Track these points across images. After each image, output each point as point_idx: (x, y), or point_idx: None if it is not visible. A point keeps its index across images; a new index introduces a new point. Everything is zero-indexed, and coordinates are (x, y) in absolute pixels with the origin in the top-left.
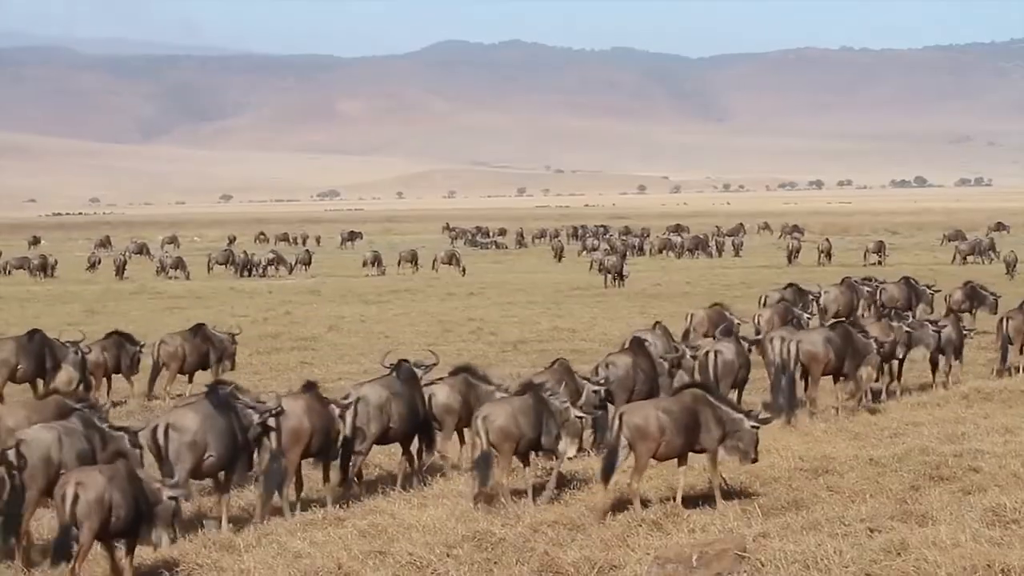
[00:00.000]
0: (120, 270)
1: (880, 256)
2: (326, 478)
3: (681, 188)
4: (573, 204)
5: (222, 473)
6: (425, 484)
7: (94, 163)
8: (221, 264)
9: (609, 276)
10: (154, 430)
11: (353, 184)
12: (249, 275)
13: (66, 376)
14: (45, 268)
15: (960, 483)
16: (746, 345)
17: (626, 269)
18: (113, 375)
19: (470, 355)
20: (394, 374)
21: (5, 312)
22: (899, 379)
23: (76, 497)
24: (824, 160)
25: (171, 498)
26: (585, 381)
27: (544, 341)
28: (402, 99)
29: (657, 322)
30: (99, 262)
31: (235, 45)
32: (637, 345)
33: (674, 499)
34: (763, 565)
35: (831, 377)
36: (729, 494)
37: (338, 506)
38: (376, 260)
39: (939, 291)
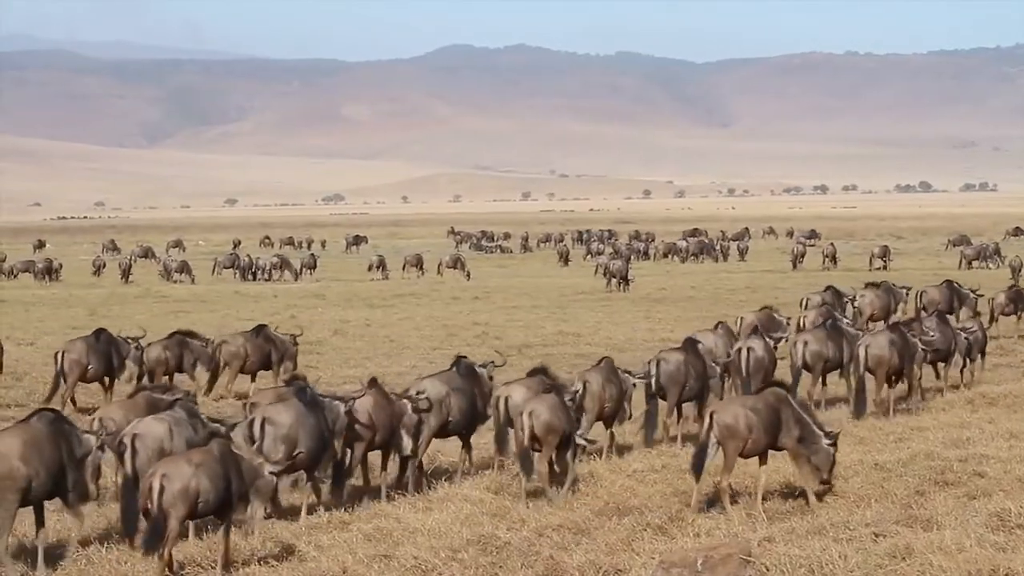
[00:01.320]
0: (125, 274)
1: (885, 261)
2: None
3: (685, 193)
4: (578, 208)
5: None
6: (430, 488)
7: (98, 167)
8: (227, 268)
9: (614, 280)
10: (251, 423)
11: (357, 188)
12: (254, 279)
13: (127, 373)
14: (50, 272)
15: (965, 488)
16: (771, 343)
17: (631, 273)
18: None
19: (474, 359)
20: (453, 369)
21: (10, 316)
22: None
23: (162, 488)
24: (829, 165)
25: (272, 473)
26: (628, 375)
27: (549, 345)
28: (406, 103)
29: (719, 323)
30: (104, 266)
31: (239, 49)
32: (690, 345)
33: (753, 496)
34: (768, 570)
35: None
36: (733, 499)
37: (343, 509)
38: (381, 264)
39: (983, 295)
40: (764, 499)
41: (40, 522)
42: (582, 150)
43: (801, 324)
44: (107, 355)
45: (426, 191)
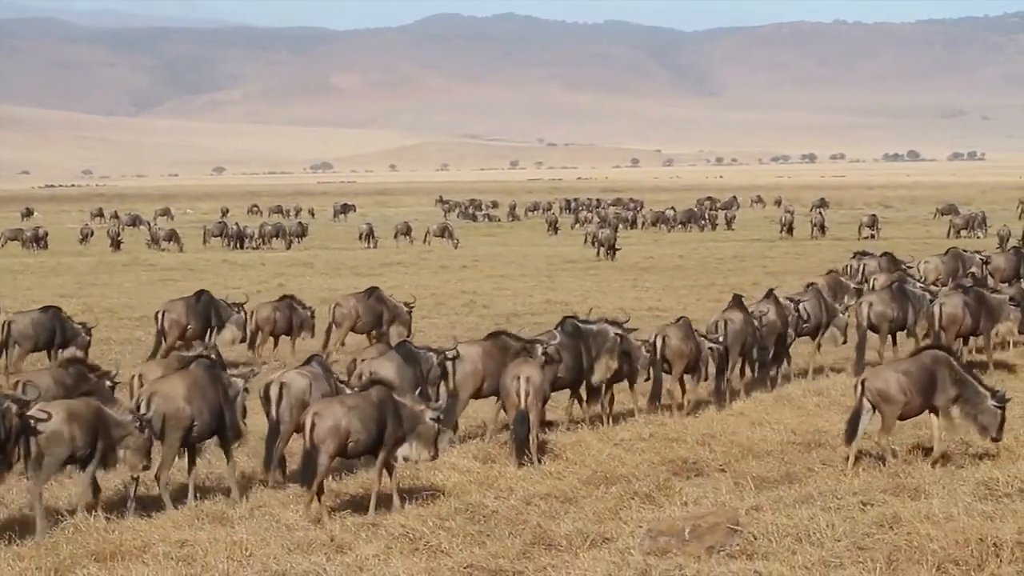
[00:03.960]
0: (115, 242)
1: (873, 230)
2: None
3: (674, 161)
4: (566, 177)
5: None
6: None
7: (87, 135)
8: (216, 236)
9: (602, 249)
10: (359, 376)
11: (346, 157)
12: (242, 247)
13: (229, 335)
14: (37, 240)
15: (953, 457)
16: (792, 307)
17: (617, 242)
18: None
19: (463, 328)
20: (558, 328)
21: None
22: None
23: (314, 425)
24: (817, 134)
25: (433, 419)
26: (703, 339)
27: (537, 314)
28: (395, 72)
29: (811, 283)
30: (92, 234)
31: (229, 17)
32: (738, 304)
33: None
34: (756, 538)
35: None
36: (722, 468)
37: (330, 478)
38: (371, 233)
39: None
40: (752, 469)
41: (192, 461)
42: (570, 119)
43: (873, 288)
44: (206, 316)
45: (414, 160)
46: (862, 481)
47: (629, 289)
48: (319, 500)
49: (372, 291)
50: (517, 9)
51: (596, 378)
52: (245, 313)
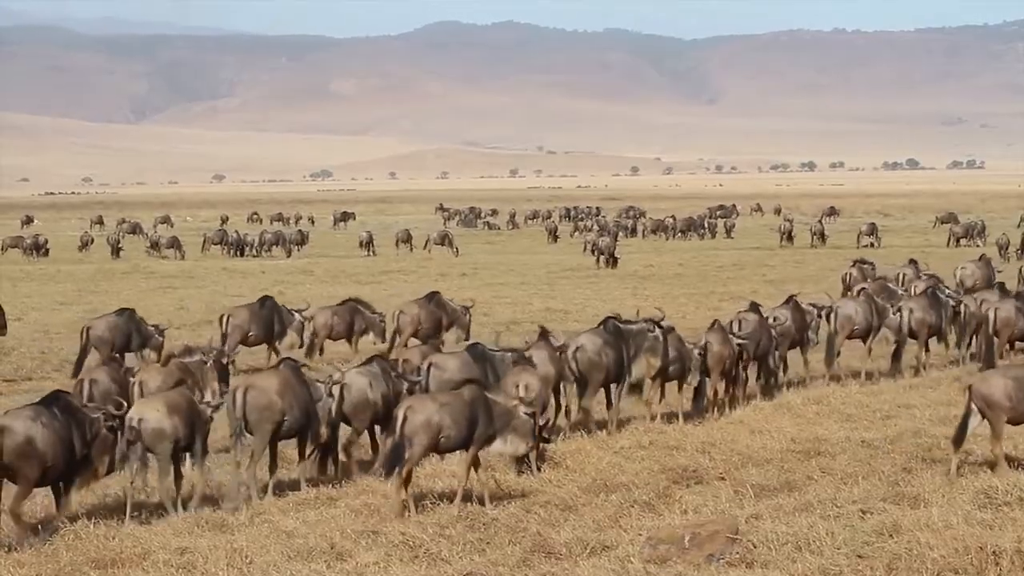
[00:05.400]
0: (115, 250)
1: (872, 238)
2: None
3: (673, 169)
4: (565, 185)
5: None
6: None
7: (86, 142)
8: (216, 244)
9: (602, 257)
10: (416, 369)
11: (346, 164)
12: (242, 255)
13: (289, 341)
14: (38, 247)
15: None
16: (814, 311)
17: (618, 251)
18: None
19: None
20: (602, 326)
21: None
22: None
23: (406, 418)
24: (816, 142)
25: (527, 414)
26: (732, 336)
27: (536, 322)
28: (395, 79)
29: (862, 288)
30: (92, 241)
31: (228, 24)
32: (754, 308)
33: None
34: (755, 547)
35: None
36: (722, 476)
37: (330, 485)
38: (371, 241)
39: None
40: (752, 477)
41: (273, 461)
42: (570, 127)
43: (912, 292)
44: (269, 322)
45: (414, 167)
46: (862, 489)
47: (629, 297)
48: (406, 491)
49: (432, 296)
50: (517, 17)
51: (634, 376)
52: (303, 319)
